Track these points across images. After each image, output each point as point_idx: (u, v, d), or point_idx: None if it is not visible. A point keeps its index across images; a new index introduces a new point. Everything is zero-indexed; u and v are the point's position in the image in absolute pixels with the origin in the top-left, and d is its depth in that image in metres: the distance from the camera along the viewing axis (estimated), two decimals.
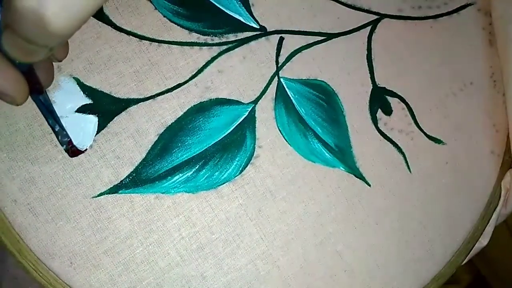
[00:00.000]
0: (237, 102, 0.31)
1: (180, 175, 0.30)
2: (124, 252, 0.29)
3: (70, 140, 0.25)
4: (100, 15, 0.30)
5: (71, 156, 0.27)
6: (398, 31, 0.34)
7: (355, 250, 0.32)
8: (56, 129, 0.25)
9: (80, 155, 0.29)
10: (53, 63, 0.24)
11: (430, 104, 0.34)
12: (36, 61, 0.20)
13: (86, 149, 0.29)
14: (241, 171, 0.31)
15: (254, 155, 0.31)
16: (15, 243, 0.27)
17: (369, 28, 0.34)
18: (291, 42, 0.32)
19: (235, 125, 0.31)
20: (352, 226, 0.32)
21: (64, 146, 0.25)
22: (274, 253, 0.31)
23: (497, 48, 0.35)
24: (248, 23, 0.32)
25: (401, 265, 0.32)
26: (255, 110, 0.31)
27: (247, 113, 0.31)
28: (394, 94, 0.34)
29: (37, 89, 0.23)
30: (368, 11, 0.34)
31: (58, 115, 0.28)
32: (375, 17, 0.34)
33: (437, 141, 0.34)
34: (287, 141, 0.32)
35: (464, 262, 0.35)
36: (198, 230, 0.30)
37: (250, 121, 0.31)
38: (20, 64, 0.20)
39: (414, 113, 0.34)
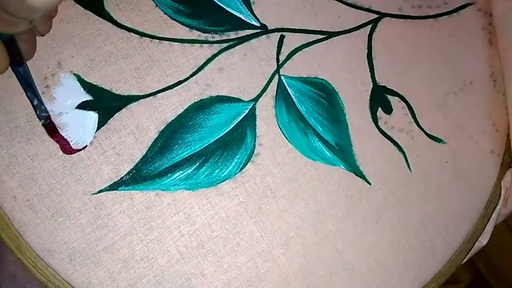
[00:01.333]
0: (238, 100, 0.31)
1: (180, 172, 0.30)
2: (123, 249, 0.29)
3: (49, 115, 0.25)
4: (101, 11, 0.30)
5: (49, 133, 0.27)
6: (398, 30, 0.34)
7: (355, 248, 0.32)
8: (35, 103, 0.25)
9: (80, 151, 0.29)
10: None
11: (430, 103, 0.34)
12: (16, 32, 0.20)
13: (86, 146, 0.29)
14: (241, 168, 0.31)
15: (255, 153, 0.31)
16: (14, 240, 0.27)
17: (369, 27, 0.34)
18: (292, 40, 0.32)
19: (235, 123, 0.31)
20: (352, 225, 0.32)
21: (42, 121, 0.25)
22: (274, 251, 0.31)
23: (498, 48, 0.36)
24: (249, 21, 0.32)
25: (401, 263, 0.32)
26: (255, 108, 0.31)
27: (247, 111, 0.31)
28: (394, 93, 0.34)
29: (17, 60, 0.22)
30: (369, 10, 0.34)
31: (58, 111, 0.28)
32: (376, 16, 0.34)
33: (437, 140, 0.34)
34: (287, 139, 0.32)
35: (464, 261, 0.35)
36: (198, 227, 0.30)
37: (250, 118, 0.31)
38: (0, 35, 0.20)
39: (415, 112, 0.34)
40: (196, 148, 0.30)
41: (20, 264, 0.27)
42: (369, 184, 0.33)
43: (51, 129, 0.27)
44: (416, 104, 0.34)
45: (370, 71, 0.33)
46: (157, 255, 0.29)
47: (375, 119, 0.33)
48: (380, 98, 0.33)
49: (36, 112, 0.25)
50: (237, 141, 0.31)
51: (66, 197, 0.28)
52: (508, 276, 0.47)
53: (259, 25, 0.32)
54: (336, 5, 0.33)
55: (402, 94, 0.34)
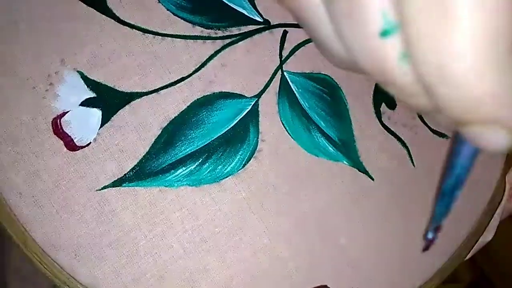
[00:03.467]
0: (241, 96, 0.31)
1: (184, 168, 0.30)
2: (127, 244, 0.29)
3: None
4: (103, 8, 0.30)
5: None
6: None
7: (358, 244, 0.32)
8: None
9: (84, 148, 0.29)
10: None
11: None
12: None
13: (90, 143, 0.29)
14: (244, 165, 0.31)
15: (257, 149, 0.31)
16: (20, 235, 0.28)
17: None
18: (295, 36, 0.32)
19: (238, 119, 0.31)
20: (355, 220, 0.32)
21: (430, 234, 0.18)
22: (277, 247, 0.31)
23: None
24: (251, 17, 0.32)
25: (405, 258, 0.32)
26: (258, 104, 0.31)
27: (250, 107, 0.31)
28: None
29: None
30: None
31: (62, 108, 0.29)
32: None
33: (441, 135, 0.34)
34: (290, 135, 0.32)
35: (468, 256, 0.35)
36: (201, 223, 0.30)
37: (253, 115, 0.31)
38: None
39: None
40: (199, 144, 0.30)
41: (26, 259, 0.28)
42: (372, 179, 0.33)
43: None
44: None
45: None
46: (160, 251, 0.29)
47: (378, 115, 0.33)
48: (383, 93, 0.33)
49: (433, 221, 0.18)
50: (240, 137, 0.31)
51: (70, 193, 0.29)
52: (510, 272, 0.47)
53: (262, 20, 0.32)
54: None
55: None
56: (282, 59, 0.32)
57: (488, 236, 0.35)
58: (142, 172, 0.29)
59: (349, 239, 0.32)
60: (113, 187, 0.29)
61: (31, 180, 0.28)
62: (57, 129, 0.28)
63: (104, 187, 0.29)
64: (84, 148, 0.29)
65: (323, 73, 0.33)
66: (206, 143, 0.30)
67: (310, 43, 0.33)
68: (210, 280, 0.30)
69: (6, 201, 0.28)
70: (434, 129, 0.34)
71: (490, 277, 0.48)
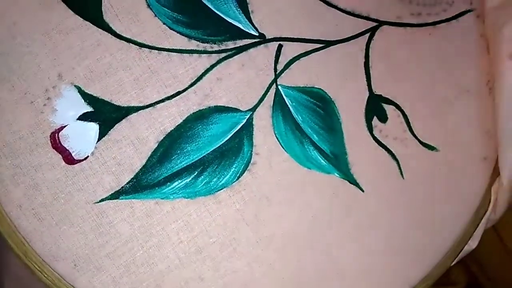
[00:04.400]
0: (235, 110, 0.32)
1: (179, 181, 0.31)
2: (125, 255, 0.30)
3: None
4: (100, 22, 0.30)
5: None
6: (396, 38, 0.34)
7: (348, 254, 0.33)
8: None
9: (82, 162, 0.30)
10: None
11: (425, 111, 0.35)
12: None
13: (88, 156, 0.30)
14: (239, 177, 0.32)
15: (251, 162, 0.32)
16: (20, 246, 0.29)
17: (367, 35, 0.34)
18: (290, 50, 0.33)
19: (233, 133, 0.32)
20: (345, 231, 0.33)
21: None
22: (270, 256, 0.32)
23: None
24: (247, 30, 0.32)
25: (392, 267, 0.34)
26: (252, 118, 0.32)
27: (245, 121, 0.32)
28: (390, 102, 0.34)
29: None
30: (367, 18, 0.34)
31: (60, 122, 0.29)
32: (374, 24, 0.34)
33: (430, 147, 0.35)
34: (283, 148, 0.32)
35: (453, 263, 0.36)
36: (196, 234, 0.31)
37: (247, 128, 0.32)
38: None
39: (409, 120, 0.35)
40: (194, 157, 0.31)
41: (27, 269, 0.29)
42: (362, 191, 0.34)
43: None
44: (411, 112, 0.35)
45: (366, 80, 0.34)
46: (157, 261, 0.30)
47: (370, 128, 0.34)
48: (375, 107, 0.34)
49: None
50: (235, 150, 0.32)
51: (69, 206, 0.29)
52: (499, 279, 0.49)
53: (257, 34, 0.32)
54: (334, 13, 0.33)
55: (398, 103, 0.34)
56: (277, 73, 0.32)
57: (472, 244, 0.37)
58: (139, 185, 0.30)
59: (338, 249, 0.33)
60: (110, 199, 0.30)
61: (31, 193, 0.29)
62: (55, 143, 0.29)
63: (102, 200, 0.30)
64: (82, 162, 0.30)
65: (317, 87, 0.33)
66: (201, 156, 0.31)
67: (305, 57, 0.33)
68: None
69: (6, 213, 0.29)
70: (424, 142, 0.35)
71: (481, 282, 0.50)
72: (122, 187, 0.30)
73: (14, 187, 0.29)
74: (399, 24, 0.35)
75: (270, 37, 0.32)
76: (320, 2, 0.33)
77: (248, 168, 0.32)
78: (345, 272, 0.33)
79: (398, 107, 0.34)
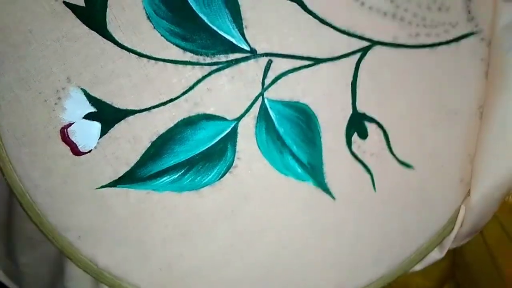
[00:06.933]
0: (222, 118, 0.35)
1: (168, 177, 0.36)
2: (120, 232, 0.36)
3: None
4: (104, 32, 0.33)
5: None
6: (388, 59, 0.35)
7: (314, 255, 0.37)
8: None
9: (87, 154, 0.35)
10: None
11: (406, 132, 0.36)
12: None
13: (91, 150, 0.35)
14: (221, 177, 0.36)
15: (233, 165, 0.36)
16: (37, 217, 0.35)
17: (358, 54, 0.35)
18: (279, 65, 0.34)
19: (218, 139, 0.35)
20: (313, 234, 0.37)
21: None
22: (242, 247, 0.37)
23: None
24: (239, 45, 0.34)
25: (349, 269, 0.38)
26: (237, 127, 0.35)
27: (230, 129, 0.35)
28: (372, 120, 0.36)
29: None
30: (361, 38, 0.34)
31: (68, 120, 0.34)
32: (367, 44, 0.34)
33: (406, 165, 0.37)
34: (263, 156, 0.36)
35: (417, 269, 0.40)
36: (180, 221, 0.36)
37: (232, 135, 0.35)
38: None
39: (389, 138, 0.36)
40: (182, 158, 0.35)
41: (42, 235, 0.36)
42: (334, 199, 0.37)
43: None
44: (392, 131, 0.36)
45: (352, 98, 0.35)
46: (146, 239, 0.36)
47: (349, 143, 0.36)
48: (357, 124, 0.36)
49: None
50: (219, 154, 0.36)
51: (75, 188, 0.35)
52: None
53: (249, 49, 0.34)
54: (328, 31, 0.34)
55: (380, 122, 0.36)
56: (264, 86, 0.35)
57: (440, 253, 0.40)
58: (133, 177, 0.35)
59: (304, 250, 0.37)
60: (109, 187, 0.35)
61: (45, 176, 0.35)
62: (65, 137, 0.34)
63: (102, 186, 0.35)
64: (86, 154, 0.35)
65: (302, 102, 0.35)
66: (188, 157, 0.35)
67: (293, 73, 0.35)
68: (185, 264, 0.37)
69: (26, 190, 0.35)
70: (401, 160, 0.37)
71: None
72: (119, 177, 0.35)
73: (32, 171, 0.35)
74: (394, 45, 0.35)
75: (261, 52, 0.34)
76: (315, 20, 0.34)
77: (230, 170, 0.36)
78: (307, 273, 0.38)
79: (380, 125, 0.36)
